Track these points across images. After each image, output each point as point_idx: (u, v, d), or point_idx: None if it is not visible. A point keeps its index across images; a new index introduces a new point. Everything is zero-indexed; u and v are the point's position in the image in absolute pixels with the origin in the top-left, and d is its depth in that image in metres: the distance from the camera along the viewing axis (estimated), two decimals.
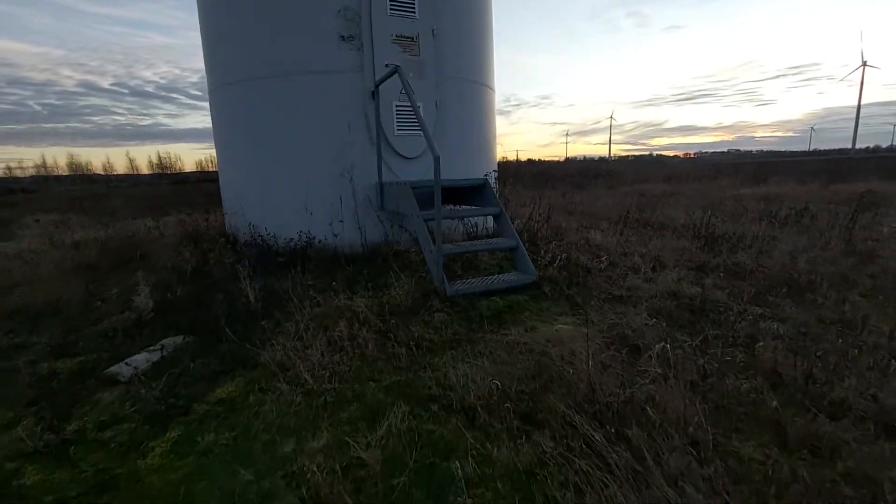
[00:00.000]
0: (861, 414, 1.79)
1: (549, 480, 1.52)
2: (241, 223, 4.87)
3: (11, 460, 1.85)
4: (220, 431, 1.97)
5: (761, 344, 2.30)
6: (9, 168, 56.05)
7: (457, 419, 1.92)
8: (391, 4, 4.38)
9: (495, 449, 1.70)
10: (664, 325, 2.62)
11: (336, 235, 4.34)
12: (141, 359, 2.58)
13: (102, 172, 56.94)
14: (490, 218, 4.74)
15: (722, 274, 3.74)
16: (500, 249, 3.98)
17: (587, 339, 2.16)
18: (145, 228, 6.40)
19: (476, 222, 4.84)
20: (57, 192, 26.66)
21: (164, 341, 2.79)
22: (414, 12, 4.50)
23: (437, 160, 3.22)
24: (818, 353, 2.22)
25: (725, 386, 1.96)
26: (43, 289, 4.14)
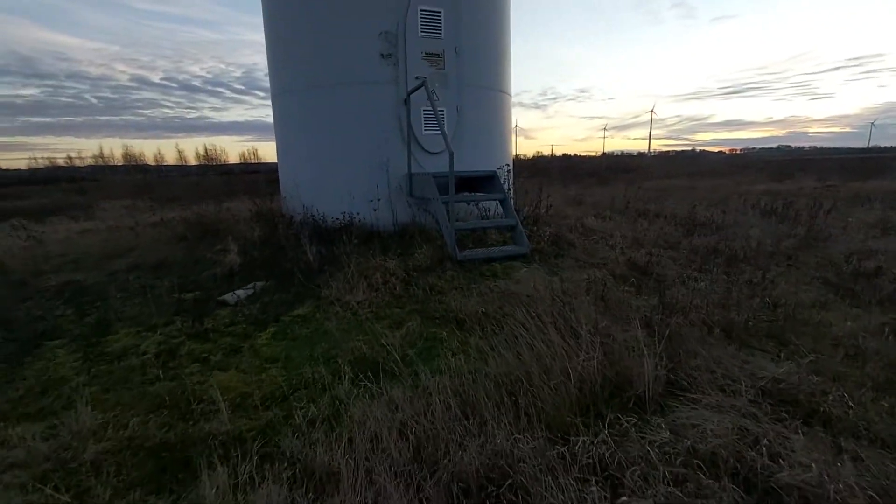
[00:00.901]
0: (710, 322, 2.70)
1: (498, 350, 2.54)
2: (296, 205, 6.07)
3: (175, 338, 3.04)
4: (300, 330, 3.10)
5: (672, 288, 3.22)
6: (69, 158, 60.75)
7: (451, 325, 2.97)
8: (422, 28, 5.42)
9: (471, 338, 2.73)
10: (612, 279, 3.56)
11: (374, 213, 5.46)
12: (240, 292, 3.77)
13: (154, 163, 60.82)
14: (499, 203, 5.72)
15: (685, 251, 4.60)
16: (501, 227, 4.99)
17: (550, 283, 3.15)
18: (216, 210, 7.76)
19: (488, 207, 5.84)
20: (113, 181, 29.32)
21: (254, 283, 3.97)
22: (440, 34, 5.53)
23: (451, 155, 4.27)
24: (706, 294, 3.11)
25: (625, 303, 2.90)
26: (150, 252, 5.48)
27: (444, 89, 5.63)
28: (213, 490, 1.54)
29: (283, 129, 6.42)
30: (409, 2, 5.34)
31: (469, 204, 5.77)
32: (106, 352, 2.85)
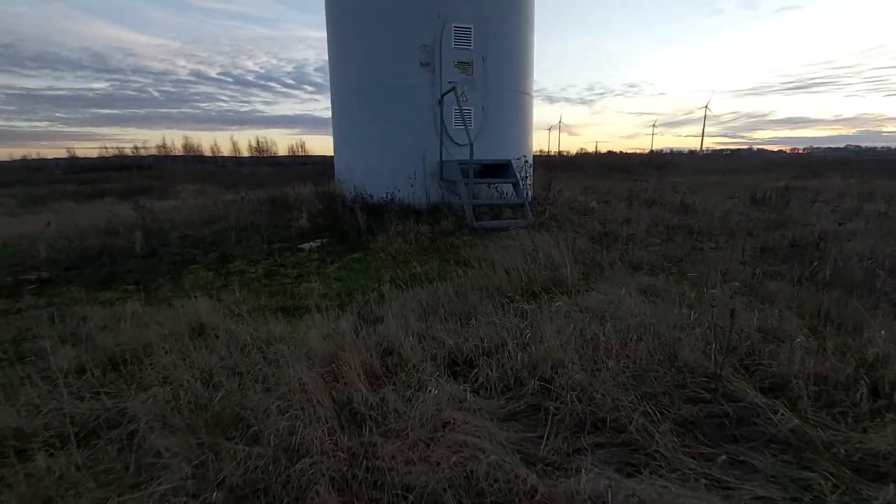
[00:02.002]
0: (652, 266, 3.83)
1: (484, 273, 3.79)
2: (348, 187, 7.52)
3: (272, 267, 4.49)
4: (355, 266, 4.49)
5: (626, 245, 4.37)
6: (136, 147, 66.23)
7: (460, 265, 4.26)
8: (455, 42, 6.71)
9: (470, 270, 4.01)
10: (585, 240, 4.73)
11: (411, 193, 6.81)
12: (312, 244, 5.22)
13: (210, 154, 65.39)
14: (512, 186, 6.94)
15: (662, 227, 5.66)
16: (512, 205, 6.22)
17: (532, 239, 4.37)
18: (281, 192, 9.39)
19: (505, 189, 7.07)
20: (174, 169, 32.46)
21: (320, 239, 5.42)
22: (470, 46, 6.79)
23: (471, 147, 5.56)
24: (644, 248, 4.22)
25: (597, 257, 4.07)
26: (238, 219, 7.08)
27: (472, 92, 6.90)
28: (314, 319, 2.91)
29: (340, 123, 7.90)
30: (444, 20, 6.65)
31: (489, 187, 7.03)
32: (230, 272, 4.35)
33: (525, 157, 7.61)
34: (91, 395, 2.01)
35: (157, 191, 15.96)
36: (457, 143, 6.96)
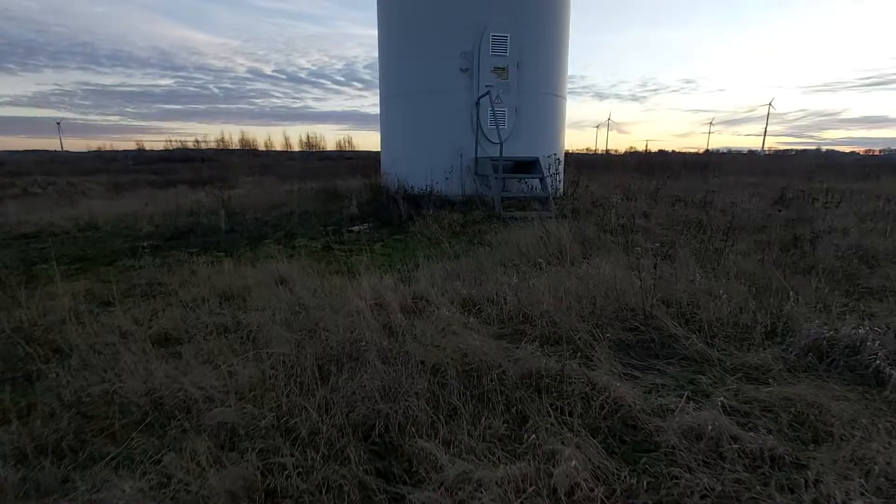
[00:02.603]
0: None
1: (503, 252, 4.54)
2: (392, 179, 8.43)
3: (328, 244, 5.44)
4: (396, 245, 5.36)
5: (635, 235, 4.99)
6: (197, 141, 70.89)
7: (485, 245, 5.03)
8: (492, 49, 7.45)
9: (494, 251, 4.77)
10: (601, 230, 5.37)
11: (448, 185, 7.63)
12: (361, 227, 6.15)
13: (264, 148, 69.00)
14: (539, 181, 7.61)
15: (679, 222, 6.17)
16: (538, 198, 6.90)
17: (548, 227, 5.08)
18: (332, 184, 10.47)
19: (533, 184, 7.74)
20: (233, 162, 34.90)
21: (368, 224, 6.34)
22: (506, 53, 7.51)
23: (500, 145, 6.31)
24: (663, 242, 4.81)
25: (598, 241, 4.73)
26: (298, 205, 8.16)
27: (507, 94, 7.62)
28: (364, 278, 3.77)
29: (387, 122, 8.83)
30: (483, 29, 7.40)
31: (520, 181, 7.73)
32: (295, 245, 5.33)
33: (555, 154, 8.25)
34: (215, 314, 2.96)
35: (222, 181, 17.64)
36: (491, 141, 7.70)
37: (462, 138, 7.66)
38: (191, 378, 2.03)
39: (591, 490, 1.39)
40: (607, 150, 71.40)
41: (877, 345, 2.18)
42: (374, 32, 8.95)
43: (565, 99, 8.66)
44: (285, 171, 22.75)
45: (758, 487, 1.44)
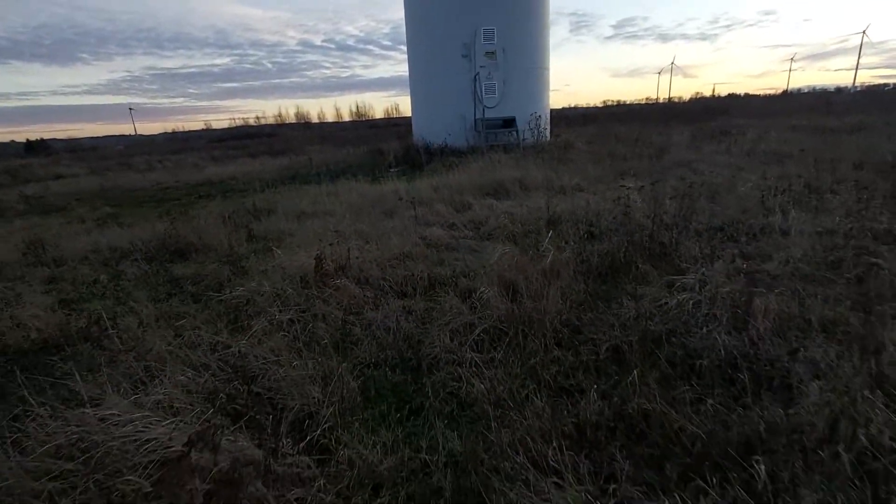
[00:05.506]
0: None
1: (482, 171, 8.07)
2: (418, 138, 12.05)
3: (371, 181, 9.24)
4: (417, 180, 9.07)
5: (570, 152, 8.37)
6: (257, 118, 77.21)
7: (456, 170, 8.61)
8: (483, 39, 10.71)
9: (464, 171, 8.33)
10: (549, 158, 8.76)
11: (456, 140, 11.14)
12: (395, 170, 9.90)
13: (317, 120, 74.23)
14: (523, 132, 10.91)
15: (630, 152, 9.36)
16: (513, 144, 10.31)
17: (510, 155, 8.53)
18: (377, 147, 14.29)
19: (517, 134, 11.07)
20: (290, 135, 39.71)
21: (400, 168, 10.08)
22: (494, 41, 10.75)
23: (483, 109, 9.75)
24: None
25: (529, 160, 8.14)
26: (352, 160, 12.05)
27: (496, 71, 10.93)
28: (391, 186, 7.50)
29: (415, 96, 12.42)
30: (476, 23, 10.69)
31: (508, 134, 11.12)
32: (357, 179, 9.18)
33: (536, 112, 11.49)
34: (328, 200, 6.83)
35: (293, 150, 22.03)
36: (486, 106, 11.09)
37: (464, 105, 11.11)
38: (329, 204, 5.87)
39: None
40: (669, 98, 69.06)
41: None
42: None
43: (547, 70, 11.78)
44: (340, 139, 26.92)
45: None
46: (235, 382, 1.98)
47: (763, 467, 1.43)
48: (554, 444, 1.72)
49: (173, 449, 1.60)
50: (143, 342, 2.60)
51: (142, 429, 1.71)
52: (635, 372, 2.03)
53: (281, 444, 1.64)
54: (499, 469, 1.67)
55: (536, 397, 2.03)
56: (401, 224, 5.12)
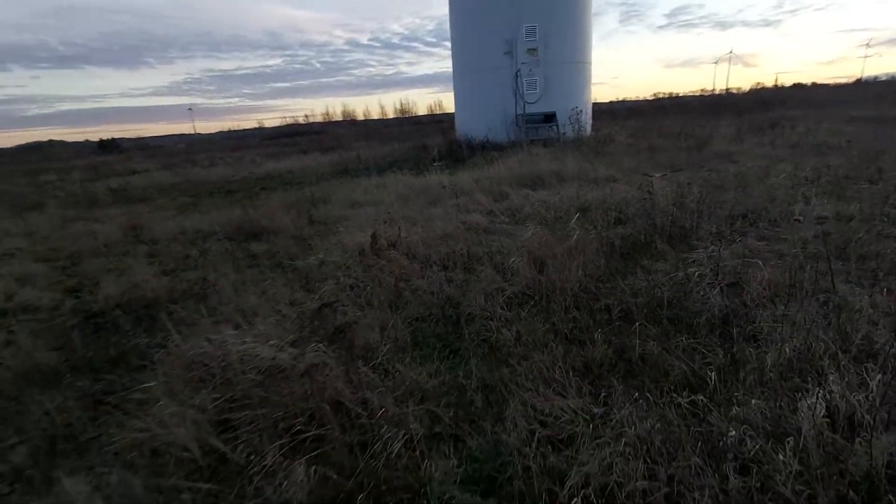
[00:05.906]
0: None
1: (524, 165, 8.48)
2: (461, 134, 12.53)
3: (415, 174, 9.83)
4: (460, 173, 9.57)
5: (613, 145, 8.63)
6: (306, 116, 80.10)
7: (496, 164, 9.04)
8: (525, 35, 11.04)
9: (513, 165, 8.75)
10: (588, 151, 9.03)
11: (497, 135, 11.55)
12: (439, 163, 10.45)
13: (362, 118, 76.19)
14: (563, 126, 11.17)
15: (677, 146, 9.49)
16: (554, 138, 10.60)
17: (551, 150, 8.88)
18: (421, 142, 14.90)
19: (557, 128, 11.34)
20: (338, 133, 41.20)
21: (444, 162, 10.62)
22: (536, 37, 11.06)
23: (524, 105, 10.12)
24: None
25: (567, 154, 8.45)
26: (399, 155, 12.70)
27: (537, 67, 11.24)
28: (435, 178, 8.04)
29: (458, 92, 12.92)
30: (519, 21, 11.03)
31: (549, 128, 11.40)
32: (403, 172, 9.79)
33: (577, 107, 11.70)
34: (378, 190, 7.45)
35: (342, 147, 23.08)
36: (527, 102, 11.43)
37: (506, 101, 11.48)
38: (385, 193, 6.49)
39: None
40: (727, 90, 65.89)
41: None
42: None
43: (589, 64, 11.95)
44: (385, 136, 27.85)
45: None
46: (315, 321, 2.55)
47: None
48: (563, 372, 2.18)
49: (276, 359, 2.20)
50: (238, 297, 3.25)
51: (251, 349, 2.32)
52: (637, 325, 2.45)
53: (355, 362, 2.19)
54: (518, 384, 2.15)
55: (553, 344, 2.49)
56: (444, 211, 5.62)
